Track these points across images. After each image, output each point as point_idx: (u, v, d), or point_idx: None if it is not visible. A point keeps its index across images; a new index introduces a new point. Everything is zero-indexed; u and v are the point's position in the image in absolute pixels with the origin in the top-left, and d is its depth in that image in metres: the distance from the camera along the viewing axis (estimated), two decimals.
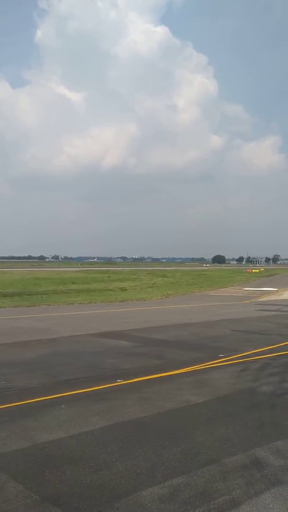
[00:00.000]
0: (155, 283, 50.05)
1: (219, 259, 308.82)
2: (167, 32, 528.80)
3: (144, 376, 9.40)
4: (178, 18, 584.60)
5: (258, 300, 31.39)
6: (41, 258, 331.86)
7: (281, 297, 33.71)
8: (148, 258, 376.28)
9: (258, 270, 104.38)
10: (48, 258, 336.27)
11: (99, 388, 8.50)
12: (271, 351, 12.24)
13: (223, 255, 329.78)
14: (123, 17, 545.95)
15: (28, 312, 22.72)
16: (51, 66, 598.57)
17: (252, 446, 5.78)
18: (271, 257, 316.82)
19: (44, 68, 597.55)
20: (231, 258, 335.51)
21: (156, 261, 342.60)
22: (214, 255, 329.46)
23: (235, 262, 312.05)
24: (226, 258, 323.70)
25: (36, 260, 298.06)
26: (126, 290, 39.14)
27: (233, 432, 6.29)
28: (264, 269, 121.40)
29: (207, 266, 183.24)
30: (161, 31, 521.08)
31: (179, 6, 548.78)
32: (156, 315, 21.94)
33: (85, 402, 7.69)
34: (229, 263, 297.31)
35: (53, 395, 8.04)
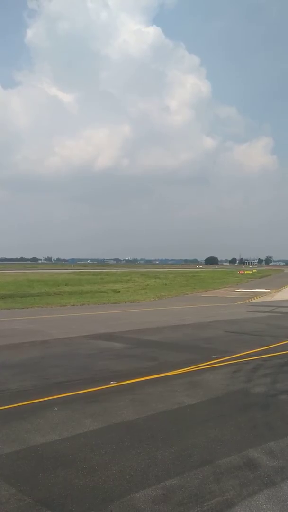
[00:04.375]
0: (148, 285, 50.05)
1: (212, 261, 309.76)
2: (159, 33, 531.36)
3: (137, 378, 9.39)
4: (171, 19, 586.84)
5: (251, 301, 31.49)
6: (34, 259, 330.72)
7: (274, 298, 33.85)
8: (141, 259, 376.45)
9: (250, 272, 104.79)
10: (41, 259, 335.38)
11: (92, 390, 8.49)
12: (264, 352, 12.28)
13: (216, 256, 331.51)
14: (114, 18, 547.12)
15: (21, 314, 22.62)
16: (42, 67, 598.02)
17: (246, 447, 5.80)
18: (264, 259, 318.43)
19: (35, 69, 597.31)
20: (224, 259, 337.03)
21: (149, 262, 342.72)
22: (207, 257, 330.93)
23: (228, 264, 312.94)
24: (219, 260, 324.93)
25: (29, 262, 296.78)
26: (119, 291, 39.09)
27: (227, 433, 6.30)
28: (257, 270, 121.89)
29: (200, 268, 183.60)
30: (153, 31, 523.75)
31: (172, 7, 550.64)
32: (149, 317, 21.94)
33: (78, 404, 7.67)
34: (222, 264, 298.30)
35: (46, 397, 8.01)
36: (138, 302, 30.66)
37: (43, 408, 7.42)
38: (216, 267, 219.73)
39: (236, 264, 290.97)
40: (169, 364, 10.80)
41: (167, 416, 7.07)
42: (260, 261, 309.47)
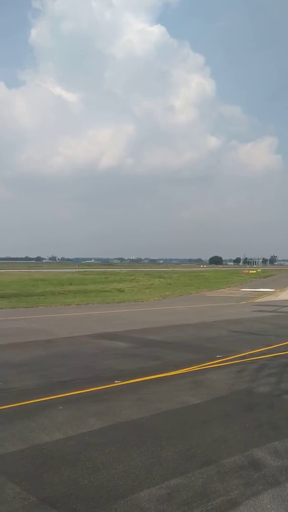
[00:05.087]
0: (152, 284, 50.04)
1: (216, 260, 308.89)
2: (163, 32, 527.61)
3: (141, 377, 9.40)
4: (175, 17, 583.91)
5: (255, 301, 31.42)
6: (38, 259, 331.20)
7: (278, 298, 33.77)
8: (146, 259, 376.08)
9: (255, 271, 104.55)
10: (45, 259, 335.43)
11: (96, 389, 8.50)
12: (268, 351, 12.25)
13: (220, 256, 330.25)
14: (118, 17, 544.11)
15: (26, 313, 22.67)
16: (46, 67, 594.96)
17: (250, 446, 5.79)
18: (268, 258, 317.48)
19: (39, 69, 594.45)
20: (228, 259, 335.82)
21: (153, 262, 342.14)
22: (211, 256, 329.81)
23: (232, 263, 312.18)
24: (223, 259, 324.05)
25: (33, 261, 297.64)
26: (123, 291, 39.12)
27: (231, 433, 6.29)
28: (261, 270, 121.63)
29: (204, 267, 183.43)
30: (157, 31, 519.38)
31: (176, 6, 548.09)
32: (153, 316, 21.94)
33: (82, 403, 7.68)
34: (226, 264, 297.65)
35: (50, 396, 8.03)
36: (142, 301, 30.67)
37: (48, 407, 7.44)
38: (220, 266, 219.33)
39: (240, 264, 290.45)
40: (173, 363, 10.80)
41: (171, 416, 7.07)
42: (264, 260, 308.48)
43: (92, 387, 8.61)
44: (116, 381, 9.06)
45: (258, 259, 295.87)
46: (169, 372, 9.89)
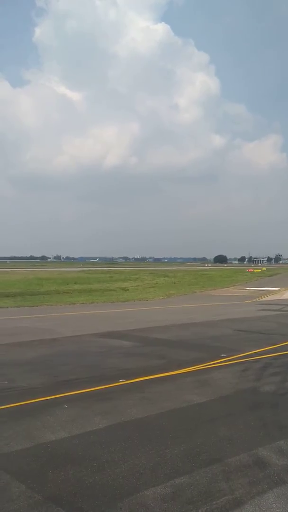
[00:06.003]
0: (156, 283, 50.04)
1: (221, 259, 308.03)
2: (168, 30, 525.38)
3: (146, 376, 9.41)
4: (179, 16, 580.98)
5: (260, 299, 31.35)
6: (43, 258, 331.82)
7: (283, 297, 33.64)
8: (150, 258, 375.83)
9: (260, 270, 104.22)
10: (50, 258, 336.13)
11: (101, 388, 8.51)
12: (273, 350, 12.22)
13: (225, 255, 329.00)
14: (122, 16, 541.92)
15: (30, 312, 22.75)
16: (50, 66, 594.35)
17: (255, 445, 5.78)
18: (273, 257, 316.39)
19: (43, 68, 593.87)
20: (233, 258, 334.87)
21: (157, 261, 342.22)
22: (216, 255, 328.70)
23: (237, 262, 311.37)
24: (228, 258, 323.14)
25: (38, 260, 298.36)
26: (128, 290, 39.17)
27: (236, 431, 6.29)
28: (266, 268, 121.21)
29: (209, 266, 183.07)
30: (162, 29, 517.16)
31: (180, 4, 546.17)
32: (158, 315, 21.95)
33: (87, 402, 7.70)
34: (231, 263, 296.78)
35: (55, 395, 8.06)
36: (147, 300, 30.68)
37: (53, 405, 7.47)
38: (225, 265, 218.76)
39: (245, 263, 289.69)
40: (177, 362, 10.80)
41: (176, 414, 7.07)
42: (269, 259, 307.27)
43: (97, 386, 8.63)
44: (121, 380, 9.07)
45: (263, 258, 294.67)
46: (174, 371, 9.89)
